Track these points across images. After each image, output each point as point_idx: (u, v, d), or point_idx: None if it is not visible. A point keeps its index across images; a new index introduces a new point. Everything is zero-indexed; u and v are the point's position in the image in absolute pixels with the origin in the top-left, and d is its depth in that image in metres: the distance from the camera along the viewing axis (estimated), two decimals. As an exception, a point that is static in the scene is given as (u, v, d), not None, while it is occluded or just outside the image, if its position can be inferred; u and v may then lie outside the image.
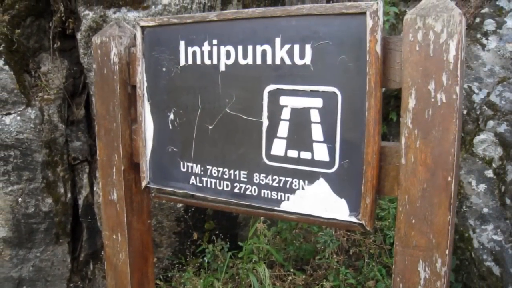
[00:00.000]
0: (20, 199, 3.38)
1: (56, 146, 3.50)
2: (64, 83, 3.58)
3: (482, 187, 2.92)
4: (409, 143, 1.36)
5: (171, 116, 1.83)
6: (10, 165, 3.32)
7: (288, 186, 1.60)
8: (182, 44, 1.75)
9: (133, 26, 1.89)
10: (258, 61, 1.59)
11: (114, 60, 1.91)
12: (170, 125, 1.84)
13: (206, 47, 1.70)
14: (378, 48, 1.36)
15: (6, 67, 3.28)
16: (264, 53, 1.58)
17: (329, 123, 1.49)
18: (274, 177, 1.63)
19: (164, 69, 1.81)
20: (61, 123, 3.52)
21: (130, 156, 1.99)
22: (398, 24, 3.66)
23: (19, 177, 3.37)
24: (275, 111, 1.59)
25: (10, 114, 3.31)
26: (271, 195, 1.64)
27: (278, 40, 1.54)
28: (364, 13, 1.37)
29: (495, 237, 2.80)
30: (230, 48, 1.65)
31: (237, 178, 1.71)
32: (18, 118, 3.31)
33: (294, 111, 1.55)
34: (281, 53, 1.54)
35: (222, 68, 1.68)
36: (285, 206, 1.61)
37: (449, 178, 1.32)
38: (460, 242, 2.98)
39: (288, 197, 1.61)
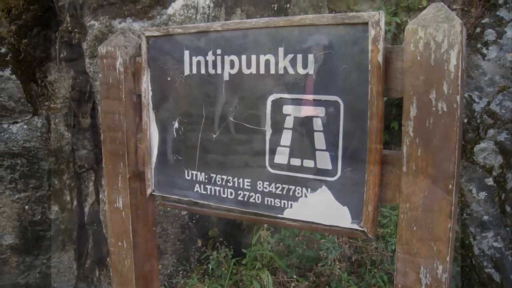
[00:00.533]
0: (27, 207, 3.41)
1: (62, 154, 3.53)
2: (70, 92, 3.61)
3: (482, 194, 2.93)
4: (411, 152, 1.36)
5: (176, 124, 1.84)
6: (17, 173, 3.35)
7: (291, 194, 1.61)
8: (186, 53, 1.77)
9: (138, 36, 1.91)
10: (262, 71, 1.60)
11: (119, 70, 1.93)
12: (174, 133, 1.85)
13: (210, 57, 1.71)
14: (380, 58, 1.37)
15: (13, 77, 3.31)
16: (267, 62, 1.58)
17: (332, 132, 1.50)
18: (278, 185, 1.64)
19: (168, 78, 1.83)
20: (67, 132, 3.55)
21: (135, 164, 2.00)
22: (400, 34, 3.68)
23: (26, 185, 3.40)
24: (278, 120, 1.60)
25: (17, 122, 3.34)
26: (274, 202, 1.65)
27: (281, 50, 1.55)
28: (366, 23, 1.38)
29: (495, 244, 2.80)
30: (234, 57, 1.66)
31: (241, 186, 1.72)
32: (25, 126, 3.34)
33: (297, 120, 1.56)
34: (284, 62, 1.55)
35: (226, 77, 1.69)
36: (288, 214, 1.62)
37: (450, 186, 1.32)
38: (461, 249, 2.98)
39: (291, 204, 1.61)
